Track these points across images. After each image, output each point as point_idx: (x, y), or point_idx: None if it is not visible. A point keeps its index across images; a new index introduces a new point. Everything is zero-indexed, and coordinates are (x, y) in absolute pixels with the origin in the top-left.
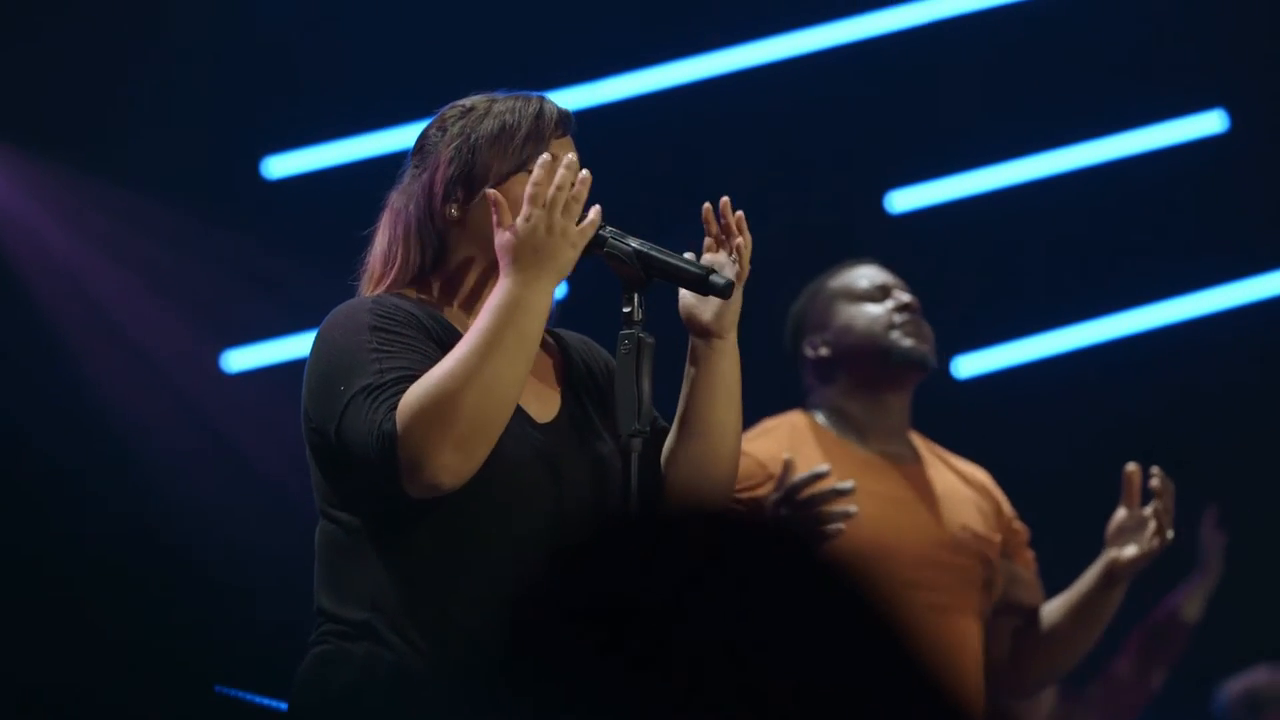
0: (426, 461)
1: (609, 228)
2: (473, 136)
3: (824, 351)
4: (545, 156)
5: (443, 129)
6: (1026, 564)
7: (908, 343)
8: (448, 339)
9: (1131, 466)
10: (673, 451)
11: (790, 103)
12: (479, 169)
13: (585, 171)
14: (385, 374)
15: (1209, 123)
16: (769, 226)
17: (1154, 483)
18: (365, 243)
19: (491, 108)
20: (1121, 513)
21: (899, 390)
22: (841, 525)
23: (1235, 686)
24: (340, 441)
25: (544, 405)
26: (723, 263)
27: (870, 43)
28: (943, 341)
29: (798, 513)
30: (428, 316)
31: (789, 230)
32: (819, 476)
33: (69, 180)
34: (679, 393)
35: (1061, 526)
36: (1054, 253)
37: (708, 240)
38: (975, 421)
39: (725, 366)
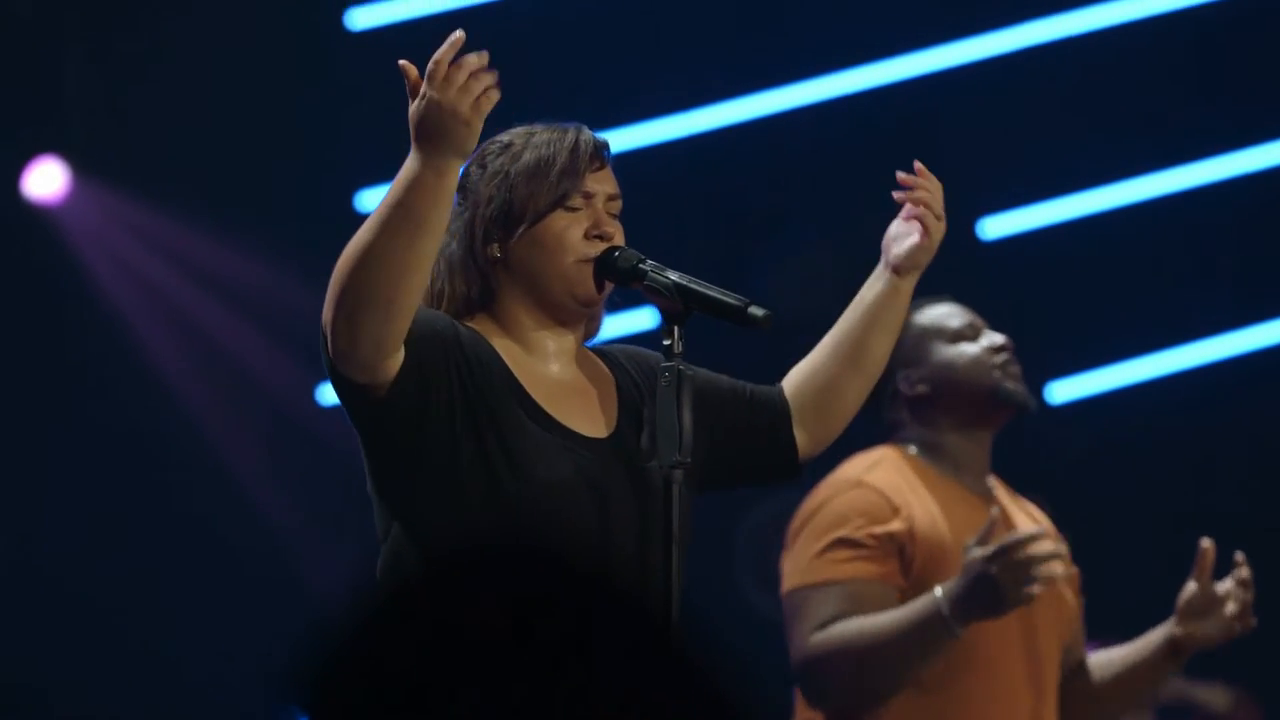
0: (329, 334)
1: (649, 261)
2: (510, 173)
3: (921, 388)
4: (457, 34)
5: (482, 166)
6: (1079, 610)
7: (1012, 385)
8: (485, 360)
9: (1206, 543)
10: (837, 381)
11: (881, 130)
12: (517, 206)
13: (485, 53)
14: None
15: None
16: (861, 255)
17: (1242, 573)
18: None
19: (529, 141)
20: (1193, 586)
21: (993, 429)
22: (1041, 589)
23: None
24: (332, 373)
25: (593, 422)
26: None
27: (962, 70)
28: (1037, 367)
29: (1006, 570)
30: (470, 335)
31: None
32: (1035, 538)
33: (168, 216)
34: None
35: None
36: (1145, 277)
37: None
38: (1071, 446)
39: (900, 304)
